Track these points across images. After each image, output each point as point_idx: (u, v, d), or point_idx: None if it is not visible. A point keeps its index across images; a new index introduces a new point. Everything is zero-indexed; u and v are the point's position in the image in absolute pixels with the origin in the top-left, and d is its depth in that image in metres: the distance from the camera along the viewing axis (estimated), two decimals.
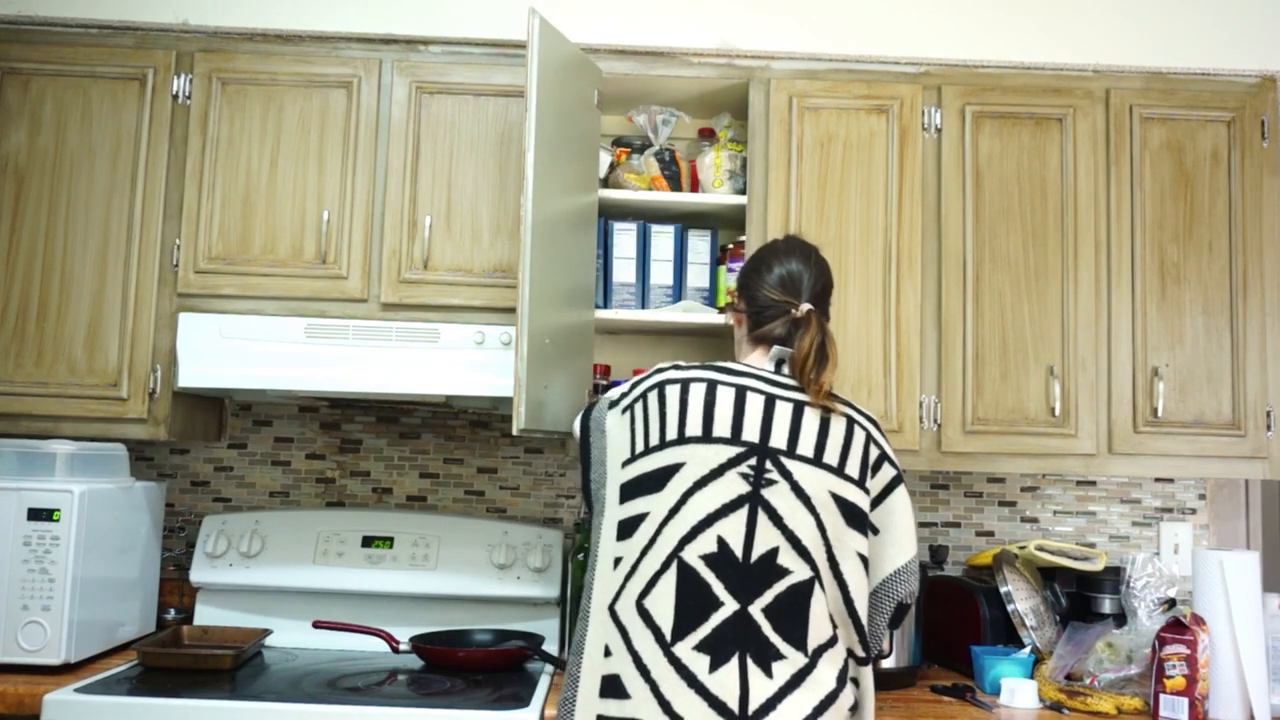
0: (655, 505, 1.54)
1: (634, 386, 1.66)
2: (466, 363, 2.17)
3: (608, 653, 1.52)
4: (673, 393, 1.59)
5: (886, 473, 1.63)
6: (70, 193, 2.23)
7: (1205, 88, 2.33)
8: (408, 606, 2.37)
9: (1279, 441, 2.26)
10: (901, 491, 1.64)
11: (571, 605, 2.22)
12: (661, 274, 2.36)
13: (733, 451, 1.54)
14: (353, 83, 2.27)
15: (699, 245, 2.38)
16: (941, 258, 2.27)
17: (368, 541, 2.37)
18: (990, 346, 2.25)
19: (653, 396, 1.61)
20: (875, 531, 1.62)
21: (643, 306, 2.35)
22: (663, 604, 1.49)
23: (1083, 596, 2.21)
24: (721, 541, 1.50)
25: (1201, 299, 2.28)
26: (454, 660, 2.12)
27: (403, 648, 2.27)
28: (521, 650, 2.14)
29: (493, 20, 2.31)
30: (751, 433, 1.55)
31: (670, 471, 1.55)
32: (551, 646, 2.35)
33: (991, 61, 2.33)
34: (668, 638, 1.47)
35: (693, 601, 1.48)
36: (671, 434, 1.56)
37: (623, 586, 1.53)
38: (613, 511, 1.59)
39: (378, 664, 2.16)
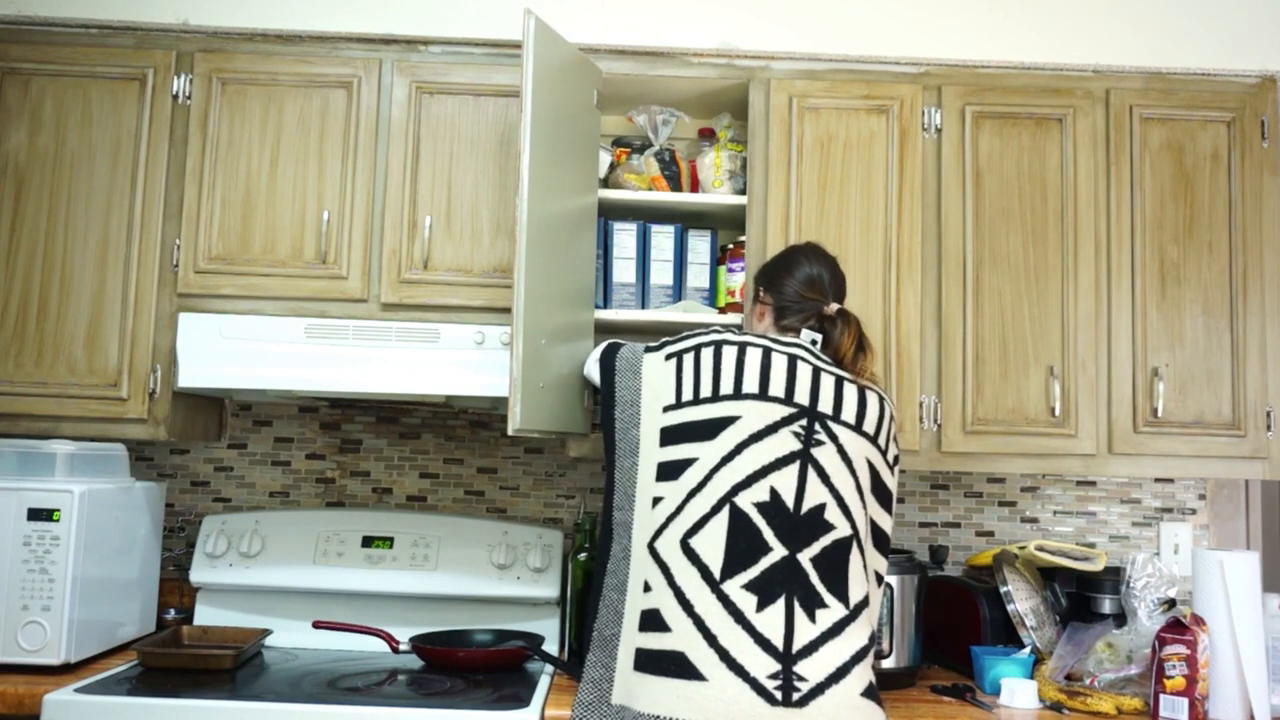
0: (705, 452, 1.61)
1: (683, 338, 1.74)
2: (466, 363, 2.17)
3: (647, 588, 1.57)
4: (729, 352, 1.67)
5: (895, 447, 1.77)
6: (70, 193, 2.23)
7: (1205, 88, 2.33)
8: (408, 606, 2.37)
9: (1279, 441, 2.26)
10: (898, 469, 1.82)
11: (572, 605, 2.22)
12: (661, 274, 2.36)
13: (786, 411, 1.63)
14: (353, 83, 2.27)
15: (699, 245, 2.38)
16: (941, 258, 2.27)
17: (368, 541, 2.37)
18: (990, 346, 2.25)
19: (707, 352, 1.69)
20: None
21: (643, 306, 2.35)
22: (712, 544, 1.54)
23: (1083, 596, 2.21)
24: (774, 492, 1.57)
25: (1201, 299, 2.28)
26: (454, 660, 2.12)
27: (403, 648, 2.27)
28: (521, 650, 2.14)
29: (493, 20, 2.31)
30: (802, 396, 1.65)
31: (724, 423, 1.62)
32: (551, 646, 2.35)
33: (991, 61, 2.33)
34: (716, 576, 1.53)
35: (744, 544, 1.54)
36: (727, 389, 1.64)
37: (665, 525, 1.59)
38: (650, 452, 1.66)
39: (378, 664, 2.16)
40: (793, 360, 1.68)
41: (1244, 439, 2.25)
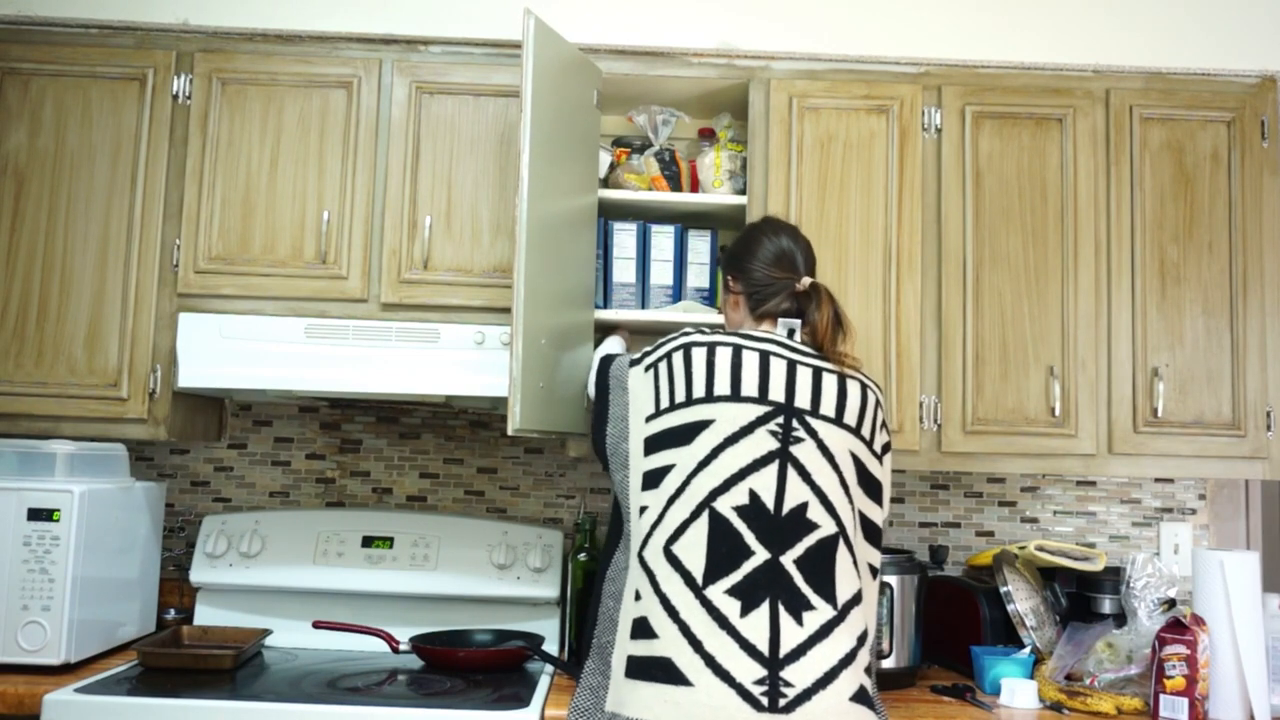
0: (683, 457, 1.59)
1: (658, 347, 1.71)
2: (466, 363, 2.17)
3: (637, 597, 1.56)
4: (699, 354, 1.64)
5: (883, 435, 1.73)
6: (70, 193, 2.23)
7: (1205, 88, 2.33)
8: (408, 606, 2.37)
9: (1279, 441, 2.26)
10: (889, 457, 1.74)
11: (572, 605, 2.22)
12: (661, 274, 2.36)
13: (761, 410, 1.60)
14: (353, 83, 2.27)
15: (699, 245, 2.38)
16: (941, 258, 2.27)
17: (368, 541, 2.37)
18: (990, 346, 2.25)
19: (678, 356, 1.65)
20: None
21: (643, 307, 2.35)
22: (693, 550, 1.53)
23: (1083, 596, 2.21)
24: (753, 494, 1.55)
25: (1201, 299, 2.28)
26: (454, 660, 2.12)
27: (403, 648, 2.27)
28: (521, 650, 2.14)
29: (493, 20, 2.31)
30: (777, 393, 1.61)
31: (699, 427, 1.59)
32: (551, 646, 2.35)
33: (991, 61, 2.33)
34: (699, 581, 1.51)
35: (725, 549, 1.52)
36: (699, 392, 1.61)
37: (649, 533, 1.58)
38: (637, 463, 1.64)
39: (378, 664, 2.16)
40: (765, 356, 1.64)
41: (1244, 439, 2.25)
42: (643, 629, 1.52)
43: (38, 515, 1.97)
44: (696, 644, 1.48)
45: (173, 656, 2.03)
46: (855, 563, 1.59)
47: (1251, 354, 2.27)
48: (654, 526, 1.57)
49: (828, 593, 1.53)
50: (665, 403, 1.64)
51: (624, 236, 2.35)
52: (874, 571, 1.67)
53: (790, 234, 1.83)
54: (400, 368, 2.17)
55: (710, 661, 1.46)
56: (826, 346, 1.70)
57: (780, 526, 1.54)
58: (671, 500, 1.57)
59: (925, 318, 2.26)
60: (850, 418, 1.65)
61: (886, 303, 2.25)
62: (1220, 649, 1.91)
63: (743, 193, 2.33)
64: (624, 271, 2.34)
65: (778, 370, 1.63)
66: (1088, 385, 2.24)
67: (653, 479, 1.61)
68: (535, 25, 1.97)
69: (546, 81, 2.01)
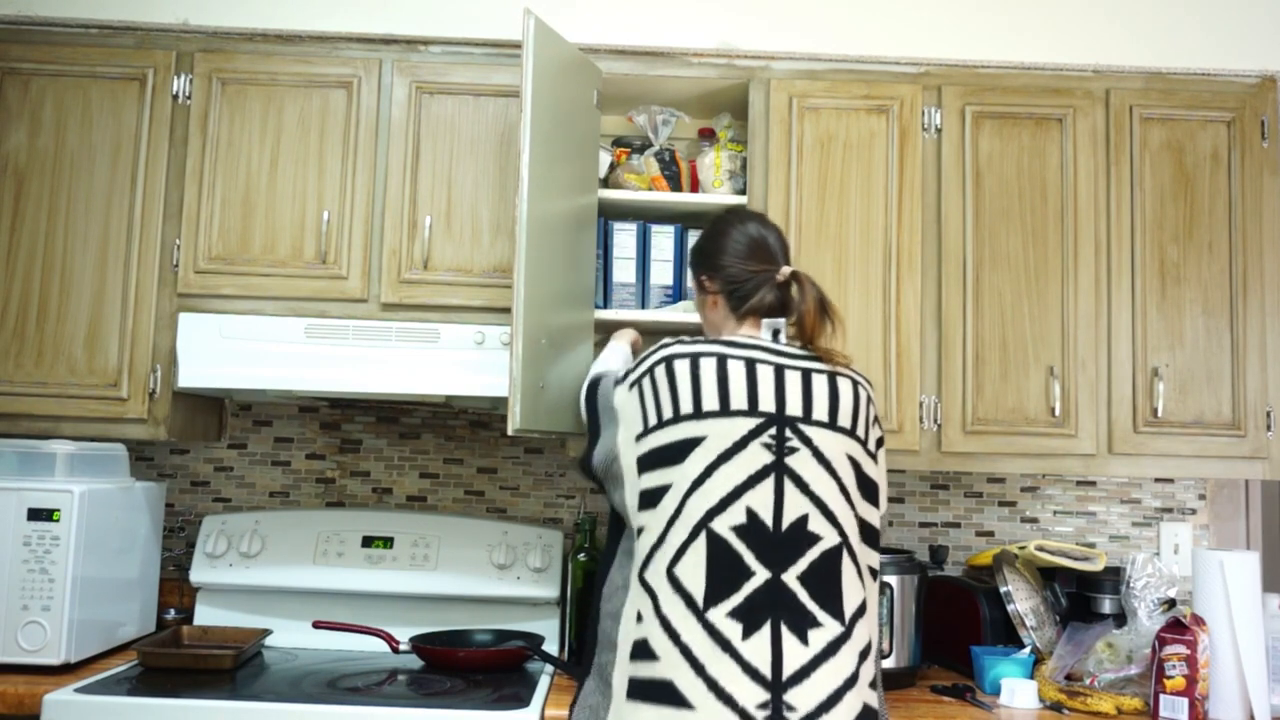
0: (677, 477, 1.55)
1: (640, 362, 1.66)
2: (466, 363, 2.17)
3: (639, 618, 1.53)
4: (682, 367, 1.59)
5: (877, 430, 1.68)
6: (70, 193, 2.23)
7: (1205, 88, 2.33)
8: (408, 606, 2.37)
9: (1279, 441, 2.26)
10: (883, 452, 1.70)
11: (572, 605, 2.22)
12: (661, 274, 2.36)
13: (752, 423, 1.55)
14: (353, 83, 2.27)
15: None
16: (941, 258, 2.27)
17: (368, 541, 2.37)
18: (990, 346, 2.25)
19: (660, 371, 1.60)
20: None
21: (642, 306, 2.35)
22: (693, 572, 1.50)
23: (1083, 596, 2.21)
24: (751, 512, 1.51)
25: (1201, 299, 2.28)
26: (454, 660, 2.12)
27: (403, 648, 2.27)
28: (521, 650, 2.14)
29: (493, 20, 2.31)
30: (767, 403, 1.56)
31: (690, 445, 1.55)
32: (551, 646, 2.35)
33: (991, 61, 2.33)
34: (700, 604, 1.48)
35: (724, 571, 1.49)
36: (686, 408, 1.56)
37: (650, 554, 1.55)
38: (632, 482, 1.60)
39: (378, 664, 2.16)
40: (751, 365, 1.59)
41: (1244, 439, 2.25)
42: (643, 651, 1.50)
43: (38, 515, 1.97)
44: (698, 667, 1.45)
45: (173, 656, 2.03)
46: (859, 571, 1.57)
47: (1251, 354, 2.27)
48: (655, 548, 1.54)
49: (834, 608, 1.50)
50: (653, 420, 1.59)
51: (624, 236, 2.35)
52: (874, 574, 1.66)
53: (758, 220, 1.76)
54: (400, 368, 2.17)
55: (713, 685, 1.44)
56: (815, 339, 1.65)
57: (780, 543, 1.51)
58: (670, 522, 1.54)
59: (925, 318, 2.26)
60: (844, 419, 1.60)
61: (886, 303, 2.25)
62: (1220, 649, 1.91)
63: (743, 193, 2.33)
64: (624, 271, 2.34)
65: (765, 378, 1.58)
66: (1088, 385, 2.25)
67: (649, 499, 1.57)
68: (535, 25, 1.97)
69: (546, 81, 2.01)
